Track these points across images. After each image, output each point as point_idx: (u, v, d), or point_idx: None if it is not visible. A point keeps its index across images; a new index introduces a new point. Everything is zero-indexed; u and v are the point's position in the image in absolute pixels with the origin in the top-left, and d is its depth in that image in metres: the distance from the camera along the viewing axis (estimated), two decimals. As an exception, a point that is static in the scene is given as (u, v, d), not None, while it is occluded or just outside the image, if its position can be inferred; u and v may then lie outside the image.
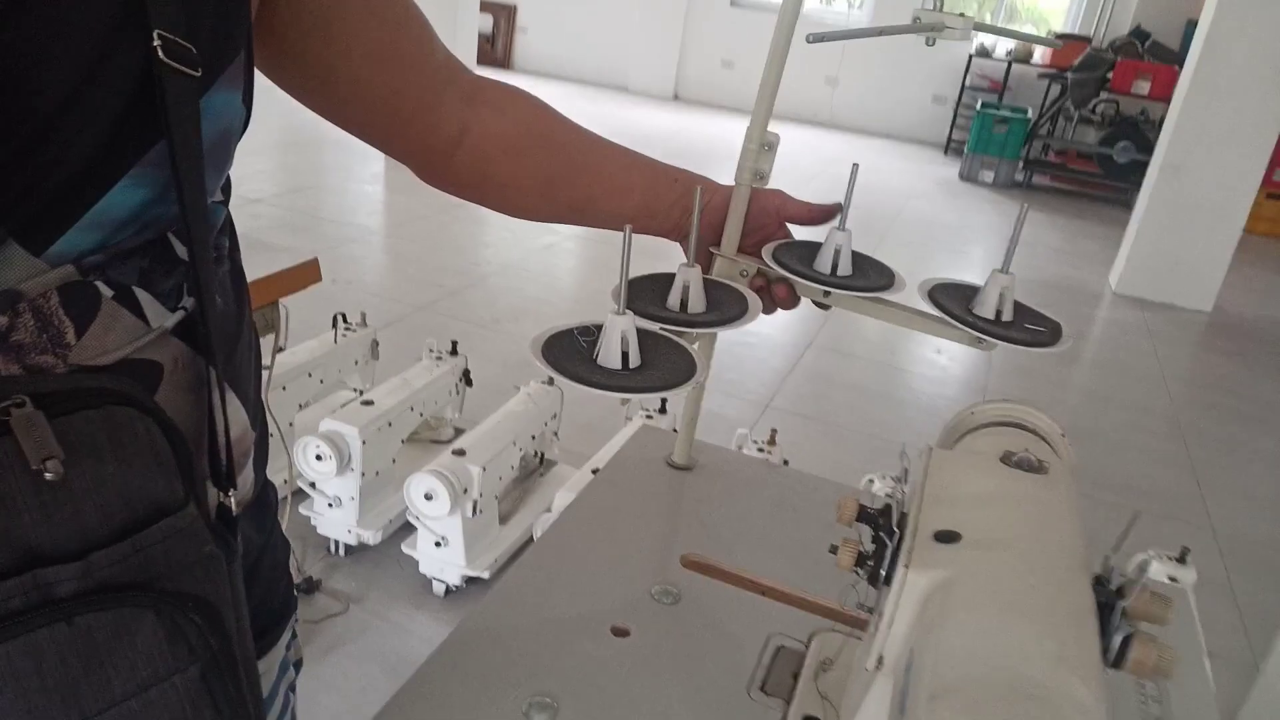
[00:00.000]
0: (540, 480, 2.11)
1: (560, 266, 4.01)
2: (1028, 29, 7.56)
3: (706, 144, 6.80)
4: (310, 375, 2.02)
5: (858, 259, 0.90)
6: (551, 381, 2.06)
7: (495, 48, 8.59)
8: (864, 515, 0.58)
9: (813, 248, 0.90)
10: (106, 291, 0.41)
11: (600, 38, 8.37)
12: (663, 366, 0.73)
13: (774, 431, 1.83)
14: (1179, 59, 5.25)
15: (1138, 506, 2.58)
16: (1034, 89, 6.86)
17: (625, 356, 0.71)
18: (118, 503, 0.37)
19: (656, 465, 0.95)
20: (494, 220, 4.50)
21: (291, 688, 0.67)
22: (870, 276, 0.89)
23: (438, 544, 1.79)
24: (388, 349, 2.35)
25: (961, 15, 0.73)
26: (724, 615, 0.75)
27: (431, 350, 2.19)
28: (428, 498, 1.72)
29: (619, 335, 0.70)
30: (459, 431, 2.21)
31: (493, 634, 0.69)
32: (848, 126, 7.75)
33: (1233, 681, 1.79)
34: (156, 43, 0.39)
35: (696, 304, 0.81)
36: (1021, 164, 6.52)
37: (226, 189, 0.52)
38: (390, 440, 1.93)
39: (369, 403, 1.88)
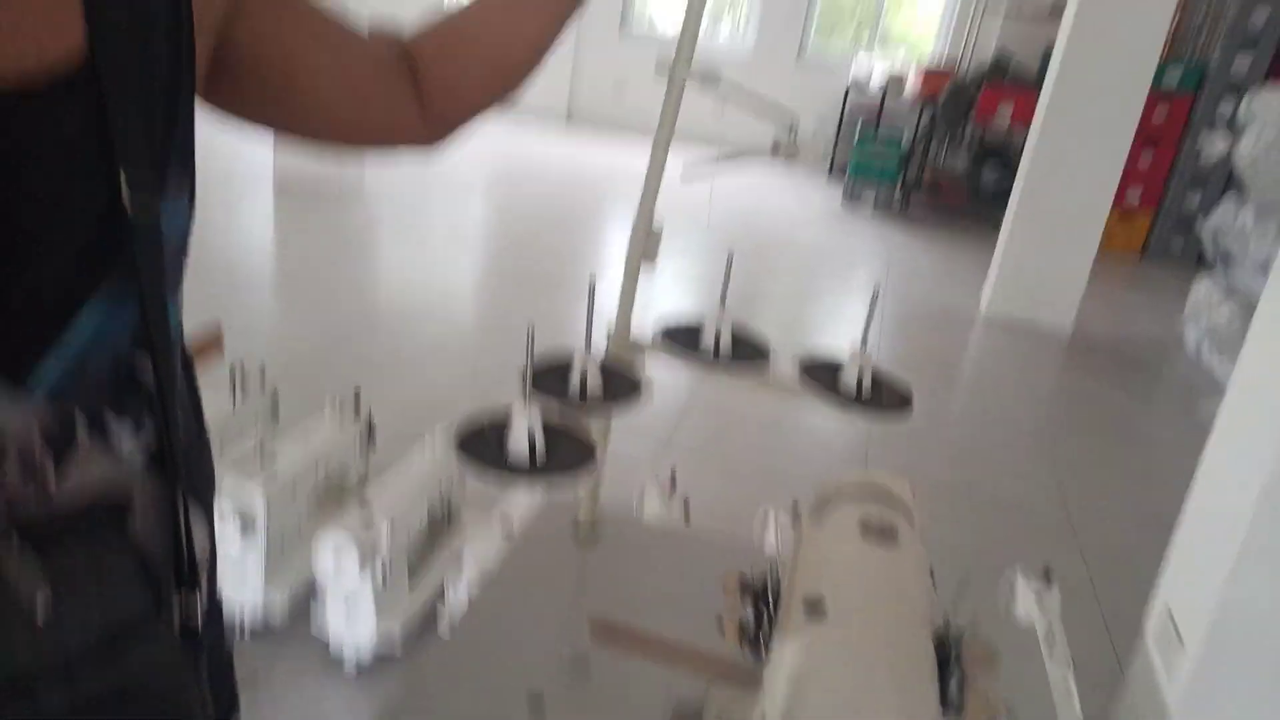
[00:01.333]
0: (448, 531, 2.14)
1: (461, 304, 4.03)
2: (901, 53, 7.97)
3: (598, 165, 6.93)
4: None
5: (738, 333, 1.00)
6: (456, 431, 2.10)
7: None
8: (745, 587, 0.67)
9: (698, 325, 1.00)
10: (82, 423, 0.44)
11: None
12: (566, 451, 0.81)
13: (673, 471, 1.92)
14: (1038, 85, 5.65)
15: (1002, 518, 2.79)
16: (907, 117, 7.25)
17: (532, 447, 0.78)
18: (97, 626, 0.42)
19: (563, 539, 1.01)
20: (390, 257, 4.48)
21: None
22: (750, 352, 0.99)
23: (346, 608, 1.80)
24: (287, 399, 2.34)
25: (804, 142, 0.84)
26: (626, 684, 0.82)
27: (334, 401, 2.19)
28: (335, 557, 1.74)
29: (525, 429, 0.77)
30: (361, 486, 2.22)
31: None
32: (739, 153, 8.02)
33: (1097, 687, 1.96)
34: (123, 179, 0.42)
35: (594, 388, 0.89)
36: (899, 188, 6.86)
37: (180, 299, 0.54)
38: (293, 501, 1.93)
39: (271, 463, 1.88)
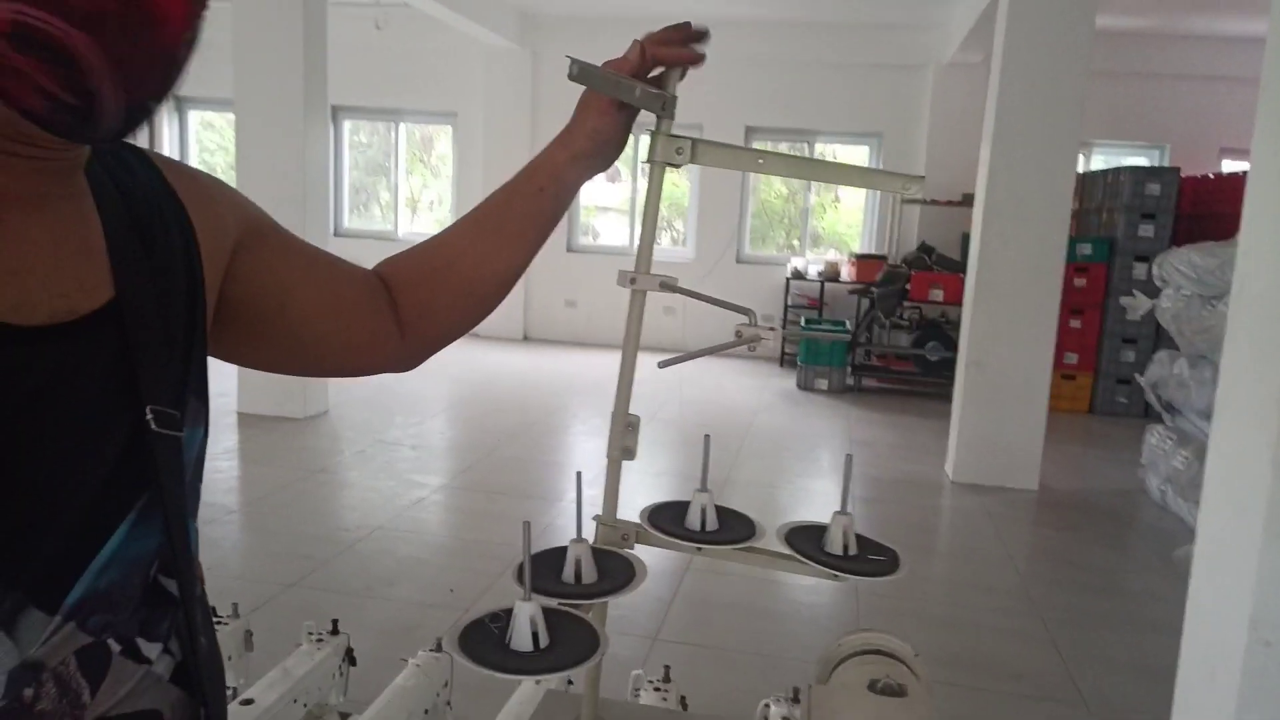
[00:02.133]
0: (436, 756, 2.03)
1: (430, 521, 4.00)
2: (831, 253, 8.49)
3: (555, 378, 7.09)
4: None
5: (721, 511, 1.03)
6: (439, 648, 2.04)
7: (343, 308, 8.84)
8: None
9: (681, 507, 1.03)
10: (115, 648, 0.46)
11: (447, 291, 8.77)
12: (568, 641, 0.81)
13: (667, 669, 1.87)
14: (961, 267, 6.03)
15: (1007, 687, 2.72)
16: (847, 302, 7.63)
17: (535, 638, 0.79)
18: None
19: (567, 729, 0.99)
20: (356, 482, 4.47)
21: None
22: (735, 528, 1.02)
23: (333, 847, 1.68)
24: (261, 633, 2.27)
25: (771, 329, 0.91)
26: None
27: (311, 634, 2.13)
28: (320, 797, 1.64)
29: (528, 620, 0.79)
30: (344, 717, 2.12)
31: None
32: (691, 348, 8.30)
33: None
34: (149, 416, 0.46)
35: (589, 574, 0.90)
36: (849, 370, 7.11)
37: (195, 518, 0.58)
38: (273, 738, 1.83)
39: (248, 701, 1.80)
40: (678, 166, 0.90)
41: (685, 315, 8.12)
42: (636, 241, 1.03)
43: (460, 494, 4.35)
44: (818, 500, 4.49)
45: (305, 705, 1.97)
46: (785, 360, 7.92)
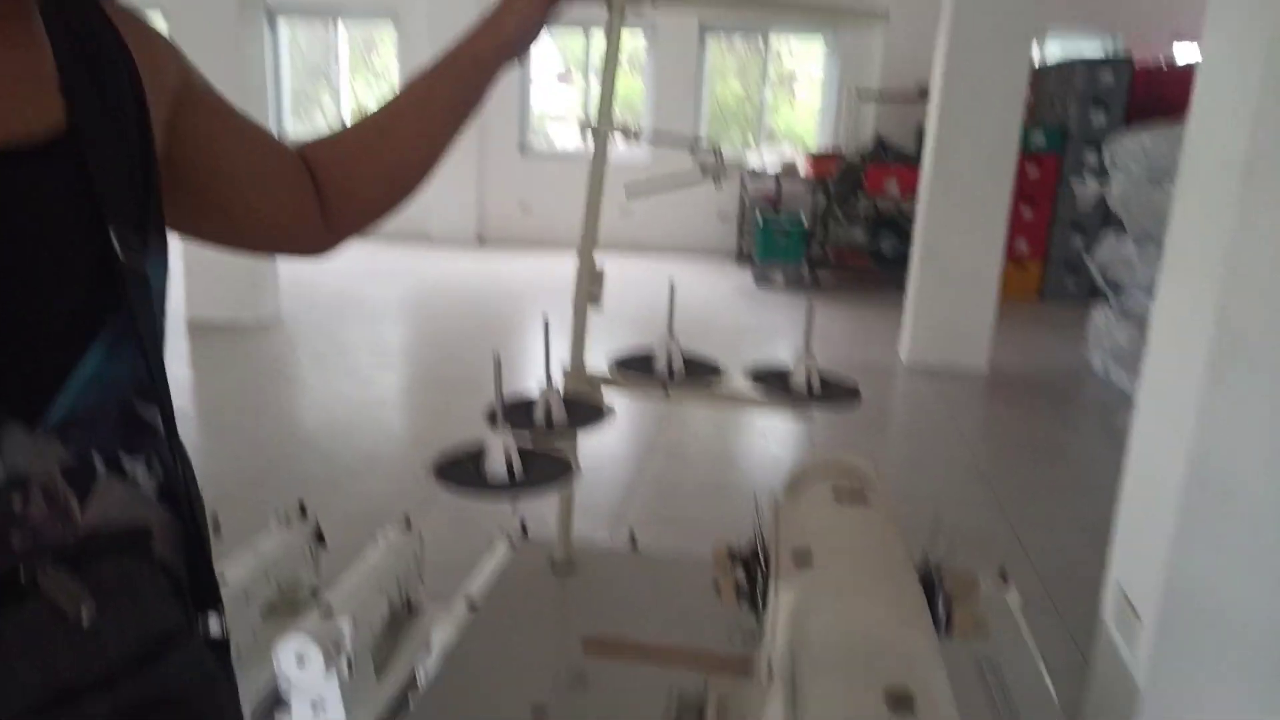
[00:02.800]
0: (412, 625, 2.09)
1: (392, 419, 4.00)
2: (787, 149, 8.41)
3: (511, 280, 7.03)
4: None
5: (687, 359, 1.05)
6: (409, 525, 2.08)
7: (290, 215, 8.61)
8: (734, 555, 0.70)
9: (647, 359, 1.04)
10: (100, 465, 0.48)
11: (397, 194, 8.56)
12: (541, 472, 0.83)
13: (631, 531, 1.92)
14: (916, 160, 6.03)
15: (961, 548, 2.84)
16: (803, 197, 7.62)
17: (510, 469, 0.81)
18: (135, 636, 0.44)
19: (541, 574, 1.03)
20: (314, 382, 4.44)
21: None
22: (702, 371, 1.04)
23: (314, 709, 1.73)
24: (228, 518, 2.28)
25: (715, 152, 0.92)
26: (626, 687, 0.83)
27: (278, 516, 2.15)
28: (299, 661, 1.68)
29: (501, 450, 0.80)
30: (316, 595, 2.16)
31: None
32: (646, 247, 8.26)
33: (1065, 680, 2.00)
34: (114, 237, 0.47)
35: (560, 417, 0.92)
36: (805, 265, 7.15)
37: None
38: (248, 612, 1.87)
39: (221, 579, 1.83)
40: (639, 2, 0.89)
41: (642, 216, 8.05)
42: (591, 147, 1.01)
43: (421, 393, 4.35)
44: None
45: (278, 582, 1.99)
46: (742, 258, 7.93)
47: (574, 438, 0.88)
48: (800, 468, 0.83)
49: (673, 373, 0.99)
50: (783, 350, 5.30)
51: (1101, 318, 4.65)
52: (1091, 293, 5.73)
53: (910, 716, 0.40)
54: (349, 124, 0.79)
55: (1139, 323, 4.16)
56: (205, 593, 0.53)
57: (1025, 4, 4.36)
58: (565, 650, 0.85)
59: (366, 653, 1.83)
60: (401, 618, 2.08)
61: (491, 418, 0.82)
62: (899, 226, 6.94)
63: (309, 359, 4.80)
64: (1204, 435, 1.51)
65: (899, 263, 6.67)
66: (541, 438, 0.89)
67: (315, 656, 1.67)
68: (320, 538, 2.18)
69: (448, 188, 8.54)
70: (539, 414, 0.87)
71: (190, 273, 4.97)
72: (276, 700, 1.83)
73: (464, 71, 0.77)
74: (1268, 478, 1.50)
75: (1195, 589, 1.55)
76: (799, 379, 0.95)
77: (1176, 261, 1.67)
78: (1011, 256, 6.40)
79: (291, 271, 5.43)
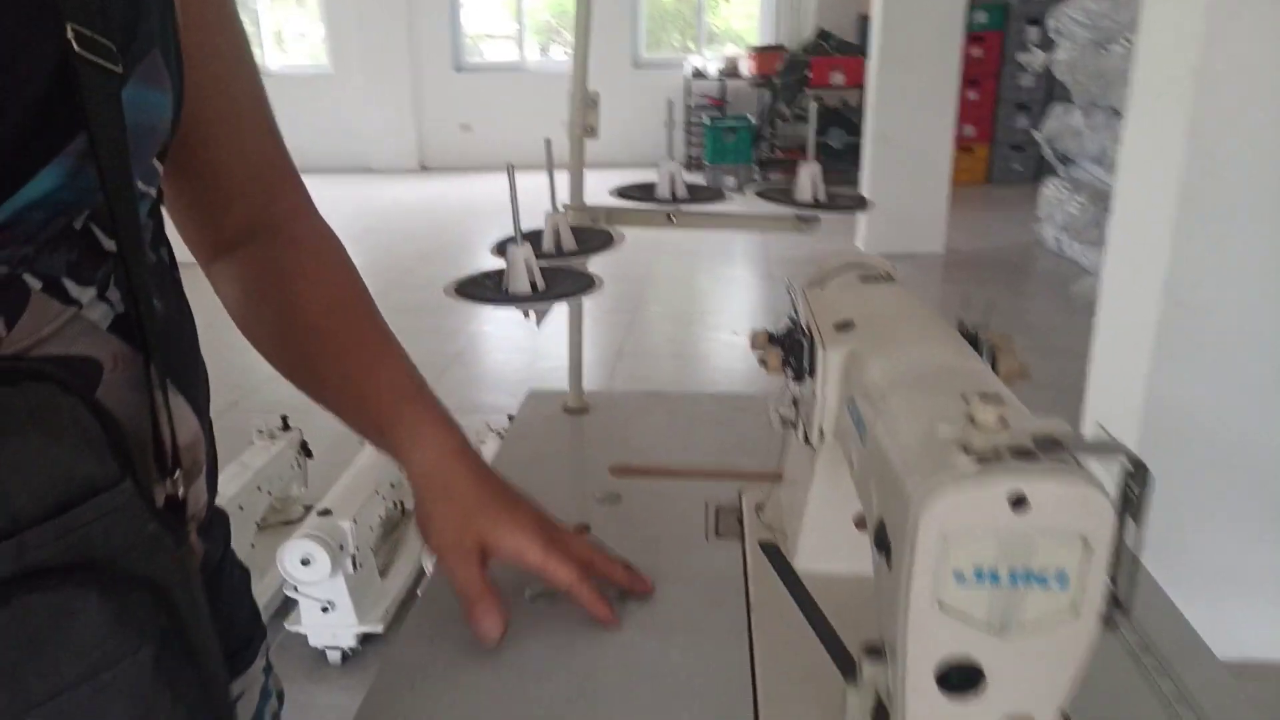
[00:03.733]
0: (408, 527, 2.09)
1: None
2: (729, 48, 8.27)
3: (457, 203, 6.90)
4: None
5: (689, 185, 1.03)
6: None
7: (222, 154, 8.31)
8: (773, 339, 0.70)
9: (650, 185, 1.03)
10: (35, 284, 0.42)
11: (333, 124, 8.28)
12: (564, 282, 0.82)
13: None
14: (861, 50, 5.97)
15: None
16: (748, 97, 7.52)
17: (532, 281, 0.79)
18: (46, 480, 0.37)
19: (555, 416, 1.02)
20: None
21: (275, 717, 0.65)
22: (706, 195, 1.02)
23: (325, 609, 1.74)
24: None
25: None
26: (662, 498, 0.84)
27: (261, 431, 2.12)
28: (305, 564, 1.68)
29: (523, 263, 0.79)
30: (309, 508, 2.15)
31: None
32: (594, 163, 8.13)
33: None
34: (70, 35, 0.40)
35: (569, 243, 0.90)
36: (755, 165, 7.11)
37: (156, 182, 0.52)
38: (244, 525, 1.86)
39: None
40: None
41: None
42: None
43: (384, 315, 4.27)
44: (737, 291, 4.58)
45: (270, 494, 1.98)
46: (692, 163, 7.85)
47: (584, 264, 0.87)
48: (819, 268, 0.83)
49: (676, 196, 0.98)
50: (737, 251, 5.30)
51: (1051, 190, 4.71)
52: (1039, 173, 5.79)
53: (998, 405, 0.40)
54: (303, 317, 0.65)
55: (1090, 192, 4.23)
56: (164, 450, 0.45)
57: None
58: (593, 479, 0.86)
59: (369, 551, 1.84)
60: (397, 519, 2.09)
61: (500, 247, 0.80)
62: (846, 120, 6.91)
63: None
64: (1178, 261, 1.54)
65: (848, 156, 6.66)
66: (555, 256, 0.87)
67: (321, 557, 1.68)
68: (306, 448, 2.17)
69: (384, 114, 8.28)
70: (548, 240, 0.85)
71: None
72: (279, 608, 1.84)
73: (379, 431, 0.64)
74: (1239, 299, 1.54)
75: (1173, 413, 1.60)
76: (804, 190, 0.94)
77: (1144, 81, 1.67)
78: (958, 142, 6.43)
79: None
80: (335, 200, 6.76)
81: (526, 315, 0.81)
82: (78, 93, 0.40)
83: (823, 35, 7.29)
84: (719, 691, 0.60)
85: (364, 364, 0.65)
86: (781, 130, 7.46)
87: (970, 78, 6.41)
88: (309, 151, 8.28)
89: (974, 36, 6.38)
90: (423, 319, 3.99)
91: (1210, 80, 1.47)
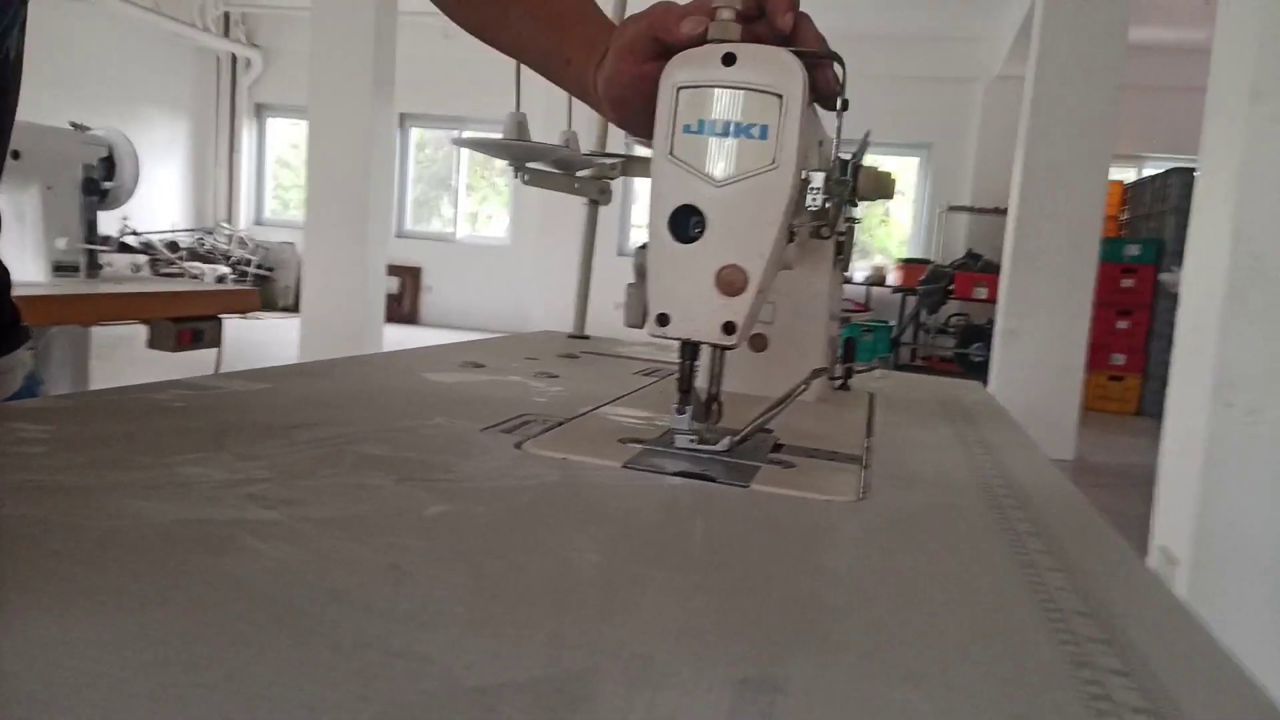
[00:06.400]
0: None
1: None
2: (878, 258, 8.57)
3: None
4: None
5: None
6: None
7: (403, 305, 9.15)
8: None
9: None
10: None
11: (497, 288, 9.06)
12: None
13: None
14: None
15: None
16: (891, 301, 7.71)
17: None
18: None
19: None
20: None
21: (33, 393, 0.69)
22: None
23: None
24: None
25: None
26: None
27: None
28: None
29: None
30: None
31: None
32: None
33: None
34: None
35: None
36: (893, 368, 7.16)
37: None
38: None
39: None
40: None
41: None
42: None
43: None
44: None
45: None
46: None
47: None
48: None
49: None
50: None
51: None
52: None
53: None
54: None
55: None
56: None
57: (1101, 128, 4.51)
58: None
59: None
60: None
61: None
62: (990, 335, 6.92)
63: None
64: (1223, 368, 1.53)
65: (985, 370, 6.62)
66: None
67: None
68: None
69: (546, 281, 9.02)
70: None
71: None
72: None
73: (568, 60, 0.64)
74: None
75: (1223, 527, 1.52)
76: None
77: (1199, 237, 1.72)
78: (1105, 368, 6.29)
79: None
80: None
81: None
82: None
83: (972, 255, 7.48)
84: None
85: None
86: (923, 341, 7.54)
87: (1122, 307, 6.36)
88: (470, 312, 9.07)
89: (1126, 268, 6.39)
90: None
91: (1252, 189, 1.51)
